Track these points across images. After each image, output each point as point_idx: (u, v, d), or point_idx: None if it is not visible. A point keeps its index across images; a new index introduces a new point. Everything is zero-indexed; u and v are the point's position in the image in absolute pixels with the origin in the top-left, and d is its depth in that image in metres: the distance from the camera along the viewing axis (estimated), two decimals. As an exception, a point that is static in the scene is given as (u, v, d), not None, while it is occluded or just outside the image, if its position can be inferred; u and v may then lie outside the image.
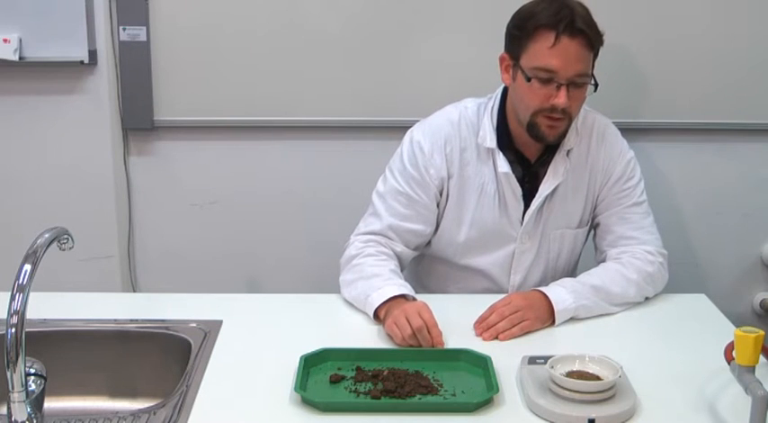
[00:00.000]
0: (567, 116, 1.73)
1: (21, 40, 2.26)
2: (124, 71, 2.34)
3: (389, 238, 1.84)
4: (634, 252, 1.81)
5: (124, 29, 2.30)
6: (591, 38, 1.68)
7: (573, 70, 1.68)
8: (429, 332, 1.55)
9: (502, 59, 1.80)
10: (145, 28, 2.30)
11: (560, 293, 1.69)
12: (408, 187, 1.84)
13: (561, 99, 1.69)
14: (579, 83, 1.70)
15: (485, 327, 1.62)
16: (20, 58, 2.27)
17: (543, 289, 1.70)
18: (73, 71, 2.34)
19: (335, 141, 2.42)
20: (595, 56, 1.74)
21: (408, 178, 1.84)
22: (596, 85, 1.74)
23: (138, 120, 2.38)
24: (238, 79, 2.35)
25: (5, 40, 2.24)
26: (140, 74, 2.33)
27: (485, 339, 1.60)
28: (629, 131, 2.26)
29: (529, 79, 1.70)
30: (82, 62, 2.30)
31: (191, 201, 2.48)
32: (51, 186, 2.44)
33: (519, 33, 1.73)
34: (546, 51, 1.68)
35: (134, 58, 2.32)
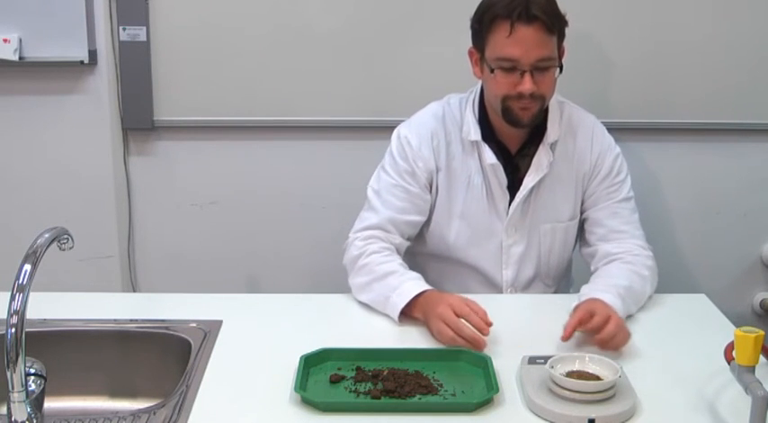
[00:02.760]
0: (539, 99, 1.74)
1: (21, 40, 2.26)
2: (124, 71, 2.34)
3: (387, 232, 1.83)
4: (631, 249, 1.82)
5: (124, 29, 2.30)
6: (547, 22, 1.69)
7: (533, 56, 1.69)
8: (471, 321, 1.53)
9: (470, 54, 1.82)
10: (145, 28, 2.30)
11: (616, 303, 1.64)
12: (402, 179, 1.85)
13: (526, 85, 1.70)
14: (543, 67, 1.71)
15: (606, 337, 1.51)
16: (20, 58, 2.27)
17: (602, 296, 1.64)
18: (73, 71, 2.34)
19: (335, 141, 2.42)
20: (561, 38, 1.75)
21: (401, 171, 1.85)
22: (561, 68, 1.75)
23: (138, 120, 2.38)
24: (238, 79, 2.35)
25: (5, 40, 2.24)
26: (140, 74, 2.33)
27: (608, 349, 1.50)
28: (628, 131, 2.27)
29: (492, 70, 1.73)
30: (82, 62, 2.30)
31: (191, 201, 2.48)
32: (51, 186, 2.44)
33: (479, 26, 1.76)
34: (504, 41, 1.70)
35: (134, 58, 2.32)
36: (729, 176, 2.47)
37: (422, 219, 1.88)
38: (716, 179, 2.47)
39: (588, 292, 1.70)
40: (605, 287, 1.70)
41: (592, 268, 1.87)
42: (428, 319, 1.60)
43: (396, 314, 1.66)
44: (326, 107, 2.38)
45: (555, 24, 1.71)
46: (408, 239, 1.89)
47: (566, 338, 1.54)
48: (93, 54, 2.31)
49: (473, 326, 1.53)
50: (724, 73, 2.36)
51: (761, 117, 2.40)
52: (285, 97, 2.37)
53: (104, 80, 2.35)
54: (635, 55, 2.34)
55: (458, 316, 1.54)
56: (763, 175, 2.48)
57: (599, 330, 1.52)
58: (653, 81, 2.36)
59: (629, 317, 1.70)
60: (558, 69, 1.75)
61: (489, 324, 1.53)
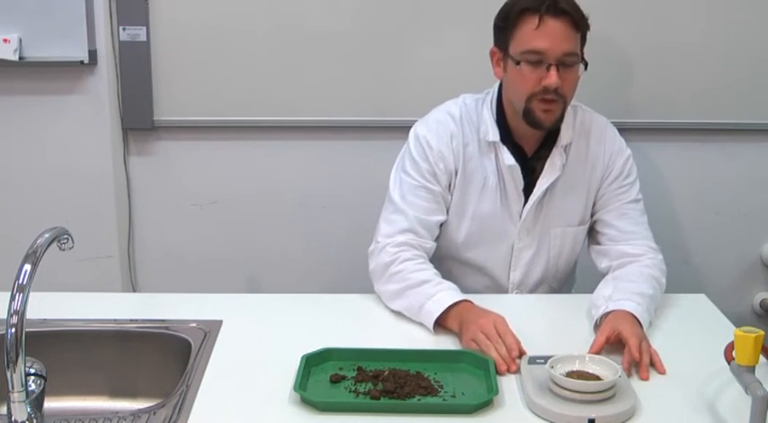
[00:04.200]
0: (561, 98, 1.73)
1: (21, 40, 2.26)
2: (124, 71, 2.34)
3: (419, 236, 1.80)
4: (646, 252, 1.81)
5: (124, 29, 2.30)
6: (575, 18, 1.71)
7: (560, 49, 1.69)
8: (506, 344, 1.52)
9: (492, 54, 1.82)
10: (145, 28, 2.30)
11: (643, 316, 1.63)
12: (425, 180, 1.83)
13: (552, 79, 1.70)
14: (568, 63, 1.71)
15: (646, 369, 1.48)
16: (20, 58, 2.27)
17: (627, 308, 1.62)
18: (73, 71, 2.34)
19: (335, 141, 2.42)
20: (583, 40, 1.76)
21: (423, 171, 1.83)
22: (586, 65, 1.75)
23: (138, 120, 2.38)
24: (238, 79, 2.35)
25: (5, 40, 2.24)
26: (140, 74, 2.34)
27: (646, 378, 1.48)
28: (628, 131, 2.26)
29: (518, 63, 1.72)
30: (82, 62, 2.30)
31: (191, 201, 2.48)
32: (51, 186, 2.44)
33: (504, 23, 1.76)
34: (532, 33, 1.70)
35: (134, 58, 2.32)
36: (729, 176, 2.47)
37: (445, 218, 1.86)
38: (716, 179, 2.47)
39: (611, 294, 1.68)
40: (629, 295, 1.66)
41: (602, 265, 1.85)
42: (465, 327, 1.57)
43: (431, 322, 1.64)
44: (327, 107, 2.38)
45: (581, 22, 1.72)
46: (435, 241, 1.87)
47: (645, 378, 1.49)
48: (93, 54, 2.31)
49: (507, 345, 1.51)
50: (724, 73, 2.36)
51: (761, 117, 2.41)
52: (285, 97, 2.37)
53: (104, 80, 2.35)
54: (635, 55, 2.34)
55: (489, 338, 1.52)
56: (763, 175, 2.48)
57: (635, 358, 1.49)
58: (653, 81, 2.36)
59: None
60: (582, 67, 1.74)
61: (522, 352, 1.51)
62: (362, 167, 2.35)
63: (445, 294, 1.66)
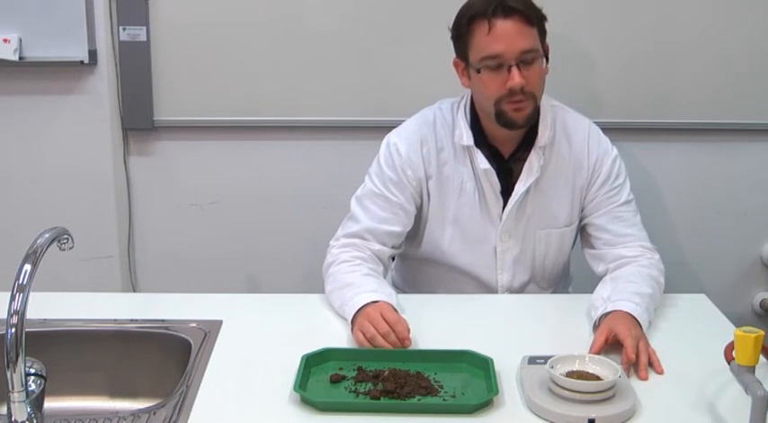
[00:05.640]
0: (530, 96, 1.72)
1: (21, 40, 2.27)
2: (124, 71, 2.35)
3: (365, 240, 1.82)
4: (643, 253, 1.80)
5: (124, 29, 2.31)
6: (526, 14, 1.69)
7: (517, 48, 1.68)
8: (394, 330, 1.53)
9: (456, 65, 1.82)
10: (145, 28, 2.30)
11: (642, 316, 1.63)
12: (385, 188, 1.83)
13: (516, 79, 1.69)
14: (528, 60, 1.70)
15: (644, 369, 1.48)
16: (20, 58, 2.27)
17: (626, 308, 1.62)
18: (73, 71, 2.34)
19: (335, 141, 2.42)
20: (542, 34, 1.74)
21: (385, 180, 1.83)
22: (547, 58, 1.74)
23: (138, 120, 2.38)
24: (238, 79, 2.35)
25: (5, 40, 2.24)
26: (140, 74, 2.34)
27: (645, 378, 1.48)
28: (628, 132, 2.27)
29: (479, 71, 1.72)
30: (82, 62, 2.30)
31: (191, 201, 2.48)
32: (51, 186, 2.44)
33: (458, 33, 1.76)
34: (485, 39, 1.69)
35: (134, 58, 2.33)
36: (729, 176, 2.47)
37: (403, 230, 1.85)
38: (716, 179, 2.47)
39: (610, 295, 1.67)
40: (627, 295, 1.65)
41: (599, 269, 1.84)
42: (353, 319, 1.60)
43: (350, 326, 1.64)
44: (327, 107, 2.38)
45: (534, 16, 1.71)
46: (393, 247, 1.86)
47: (644, 378, 1.48)
48: (93, 54, 2.31)
49: (398, 334, 1.53)
50: (723, 73, 2.36)
51: (761, 117, 2.40)
52: (285, 97, 2.37)
53: (104, 80, 2.35)
54: (635, 55, 2.34)
55: (374, 325, 1.54)
56: (763, 175, 2.48)
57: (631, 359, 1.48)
58: (653, 81, 2.36)
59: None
60: (544, 60, 1.73)
61: (405, 339, 1.53)
62: (363, 167, 2.34)
63: (359, 299, 1.64)
